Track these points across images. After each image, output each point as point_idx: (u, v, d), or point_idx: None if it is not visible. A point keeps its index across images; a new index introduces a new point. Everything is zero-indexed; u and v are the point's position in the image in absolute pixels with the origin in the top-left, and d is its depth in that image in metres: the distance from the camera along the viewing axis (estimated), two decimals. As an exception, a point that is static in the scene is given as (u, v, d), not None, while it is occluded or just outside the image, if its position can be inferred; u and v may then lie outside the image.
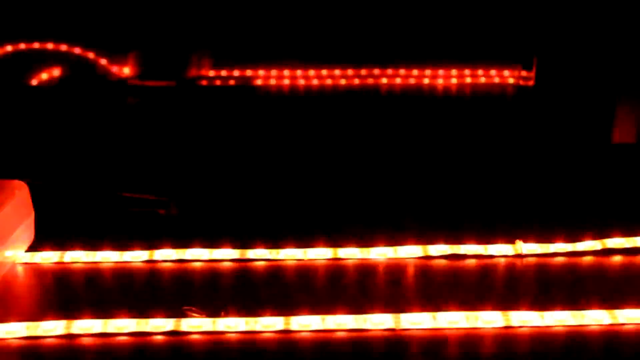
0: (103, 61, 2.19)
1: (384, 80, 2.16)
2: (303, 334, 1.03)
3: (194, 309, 1.05)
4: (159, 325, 1.03)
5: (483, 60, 2.19)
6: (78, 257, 1.21)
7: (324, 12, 2.33)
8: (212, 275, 1.18)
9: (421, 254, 1.21)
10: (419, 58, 2.19)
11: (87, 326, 1.02)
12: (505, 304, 1.06)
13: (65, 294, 1.13)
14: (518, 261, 1.20)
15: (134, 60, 2.15)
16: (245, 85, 2.15)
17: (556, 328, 1.03)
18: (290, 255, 1.21)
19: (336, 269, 1.19)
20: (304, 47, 2.26)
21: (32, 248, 1.23)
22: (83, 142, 1.73)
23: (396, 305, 1.06)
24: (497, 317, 1.04)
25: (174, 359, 1.00)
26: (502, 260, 1.20)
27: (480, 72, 2.17)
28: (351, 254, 1.21)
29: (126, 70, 2.15)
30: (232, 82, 2.16)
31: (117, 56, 2.18)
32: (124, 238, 1.25)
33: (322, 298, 1.10)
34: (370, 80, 2.16)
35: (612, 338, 1.02)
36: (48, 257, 1.21)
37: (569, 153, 1.66)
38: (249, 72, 2.19)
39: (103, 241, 1.23)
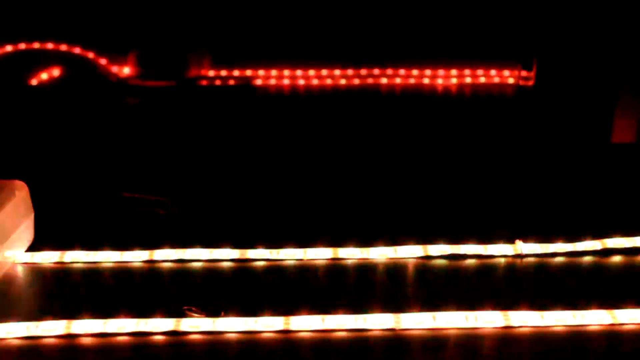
0: (103, 61, 2.19)
1: (384, 80, 2.16)
2: (303, 334, 1.03)
3: (194, 309, 1.05)
4: (159, 325, 1.03)
5: (483, 61, 2.19)
6: (78, 257, 1.21)
7: (324, 12, 2.33)
8: (212, 275, 1.18)
9: (421, 254, 1.21)
10: (418, 58, 2.19)
11: (87, 326, 1.03)
12: (505, 304, 1.06)
13: (65, 294, 1.13)
14: (518, 261, 1.20)
15: (134, 60, 2.15)
16: (245, 85, 2.15)
17: (556, 328, 1.03)
18: (290, 255, 1.21)
19: (336, 269, 1.19)
20: (304, 47, 2.26)
21: (32, 248, 1.23)
22: (83, 142, 1.73)
23: (396, 305, 1.06)
24: (497, 317, 1.04)
25: (174, 359, 1.00)
26: (502, 260, 1.20)
27: (480, 72, 2.17)
28: (351, 254, 1.21)
29: (126, 70, 2.15)
30: (232, 82, 2.16)
31: (117, 56, 2.18)
32: (124, 238, 1.25)
33: (322, 298, 1.10)
34: (370, 80, 2.16)
35: (612, 338, 1.02)
36: (48, 257, 1.21)
37: (569, 153, 1.66)
38: (248, 72, 2.19)
39: (103, 241, 1.23)
